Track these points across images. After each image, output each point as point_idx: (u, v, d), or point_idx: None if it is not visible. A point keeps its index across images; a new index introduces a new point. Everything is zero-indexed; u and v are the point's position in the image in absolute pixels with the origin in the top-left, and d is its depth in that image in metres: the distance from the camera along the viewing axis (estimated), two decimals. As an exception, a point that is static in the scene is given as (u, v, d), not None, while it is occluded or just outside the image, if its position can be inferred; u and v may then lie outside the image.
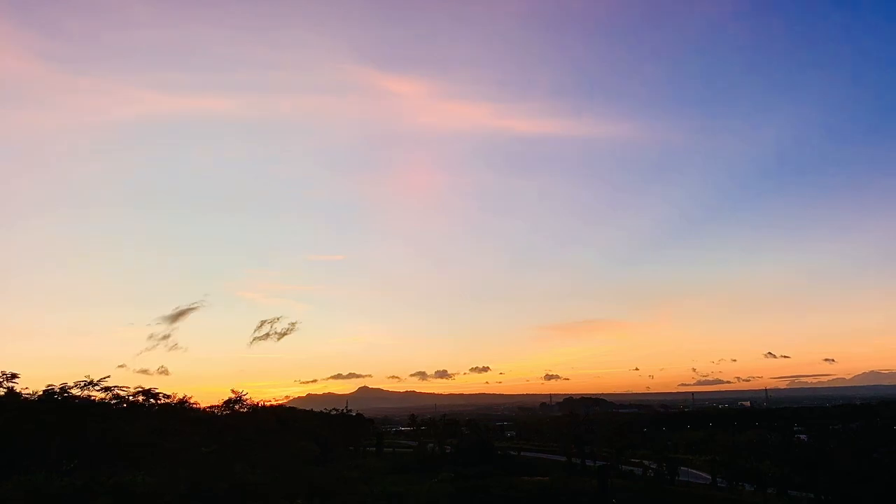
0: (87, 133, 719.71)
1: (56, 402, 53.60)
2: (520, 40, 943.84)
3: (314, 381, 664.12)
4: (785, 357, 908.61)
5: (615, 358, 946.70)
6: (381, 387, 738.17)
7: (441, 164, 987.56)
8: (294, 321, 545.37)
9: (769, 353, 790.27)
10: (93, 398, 56.24)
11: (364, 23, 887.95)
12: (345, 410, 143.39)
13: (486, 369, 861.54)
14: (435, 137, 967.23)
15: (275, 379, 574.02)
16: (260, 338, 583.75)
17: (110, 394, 57.67)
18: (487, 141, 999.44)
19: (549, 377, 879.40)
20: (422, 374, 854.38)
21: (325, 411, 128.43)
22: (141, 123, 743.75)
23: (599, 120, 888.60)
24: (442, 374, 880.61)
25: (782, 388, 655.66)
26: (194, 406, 75.89)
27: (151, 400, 62.11)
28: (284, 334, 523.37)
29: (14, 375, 53.69)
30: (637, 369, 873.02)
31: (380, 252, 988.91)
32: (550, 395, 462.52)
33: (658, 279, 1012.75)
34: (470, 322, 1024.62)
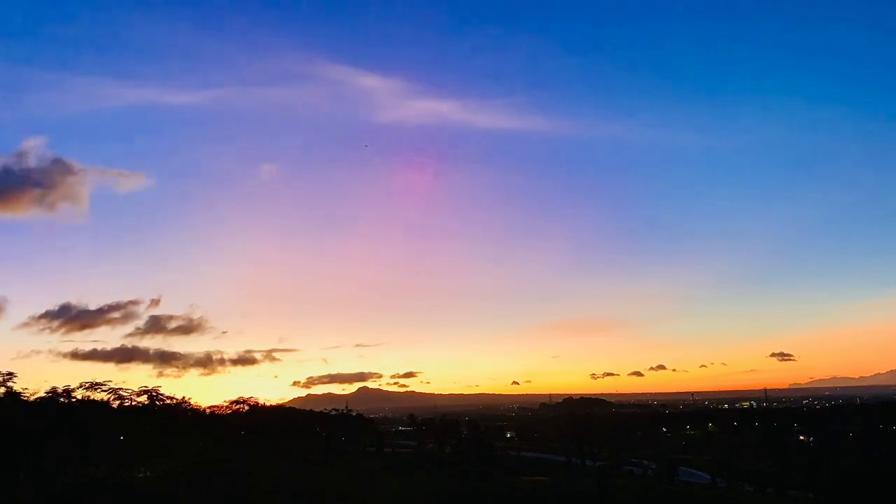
0: (47, 125, 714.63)
1: (58, 403, 53.78)
2: (488, 37, 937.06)
3: (313, 382, 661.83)
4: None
5: (615, 358, 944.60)
6: (381, 387, 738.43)
7: (416, 159, 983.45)
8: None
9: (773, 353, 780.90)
10: (96, 399, 56.48)
11: (334, 18, 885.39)
12: (345, 411, 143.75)
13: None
14: (404, 132, 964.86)
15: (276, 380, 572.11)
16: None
17: (114, 395, 57.88)
18: (455, 136, 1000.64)
19: (549, 377, 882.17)
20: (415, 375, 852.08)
21: (325, 412, 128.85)
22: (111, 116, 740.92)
23: (569, 117, 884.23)
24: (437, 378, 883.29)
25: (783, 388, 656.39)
26: (194, 407, 76.03)
27: (156, 402, 62.10)
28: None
29: (11, 375, 53.51)
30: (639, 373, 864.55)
31: (355, 249, 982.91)
32: (550, 395, 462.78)
33: (657, 279, 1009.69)
34: (452, 322, 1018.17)
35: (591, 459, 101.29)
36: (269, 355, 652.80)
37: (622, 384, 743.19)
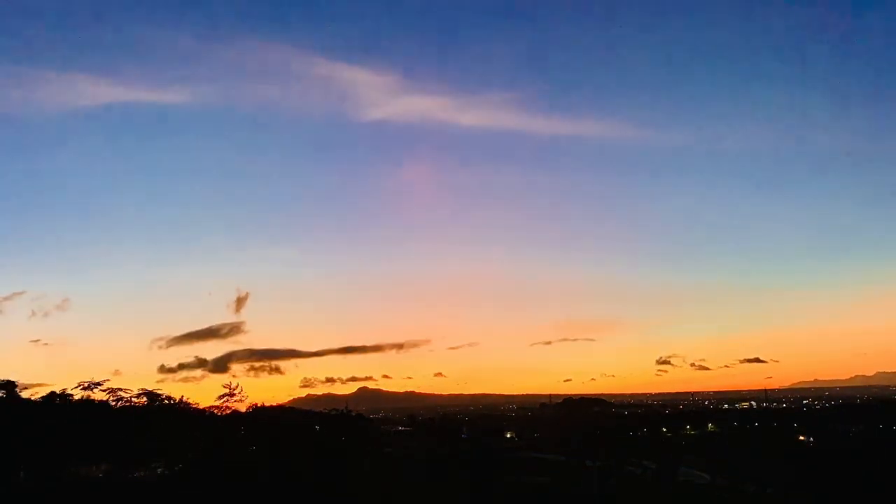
0: (38, 123, 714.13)
1: (57, 403, 53.78)
2: (481, 33, 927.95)
3: (312, 382, 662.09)
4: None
5: (614, 357, 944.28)
6: (380, 388, 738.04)
7: (406, 157, 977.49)
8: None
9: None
10: (94, 399, 56.34)
11: (320, 12, 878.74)
12: (344, 411, 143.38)
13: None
14: (393, 129, 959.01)
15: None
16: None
17: (113, 395, 57.68)
18: (444, 134, 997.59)
19: (549, 377, 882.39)
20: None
21: (324, 412, 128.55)
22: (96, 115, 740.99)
23: (564, 115, 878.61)
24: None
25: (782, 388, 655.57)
26: (194, 406, 75.79)
27: (155, 402, 61.96)
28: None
29: (11, 383, 53.89)
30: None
31: (341, 246, 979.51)
32: (550, 395, 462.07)
33: (657, 279, 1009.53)
34: (444, 321, 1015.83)
35: (591, 460, 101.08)
36: (268, 356, 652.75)
37: (624, 384, 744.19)
